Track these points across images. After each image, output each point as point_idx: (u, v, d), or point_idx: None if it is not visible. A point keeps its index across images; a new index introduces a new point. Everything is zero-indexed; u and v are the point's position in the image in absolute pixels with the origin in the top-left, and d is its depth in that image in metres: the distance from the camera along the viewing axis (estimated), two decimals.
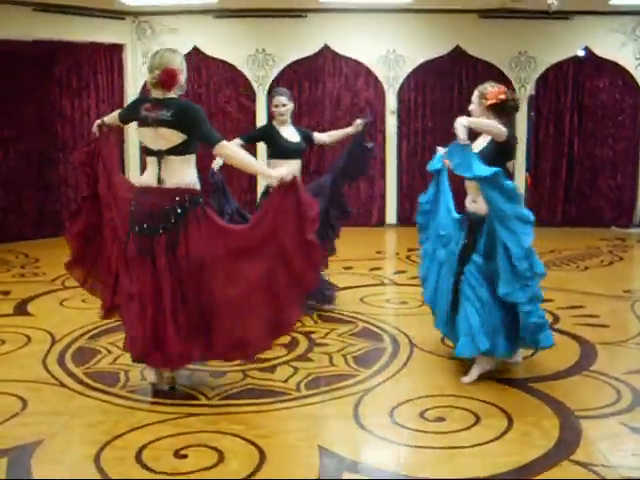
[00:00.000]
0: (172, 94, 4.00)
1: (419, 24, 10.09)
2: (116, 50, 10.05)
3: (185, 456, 3.43)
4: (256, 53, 10.13)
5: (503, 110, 4.40)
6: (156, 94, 4.00)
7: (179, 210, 3.90)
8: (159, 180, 3.94)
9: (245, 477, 3.23)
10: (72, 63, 9.69)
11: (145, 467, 3.32)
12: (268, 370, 4.55)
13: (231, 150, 4.04)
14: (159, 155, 3.94)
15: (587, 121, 10.32)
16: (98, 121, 4.44)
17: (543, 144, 10.40)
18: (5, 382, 4.36)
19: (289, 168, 4.47)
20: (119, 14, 9.85)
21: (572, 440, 3.56)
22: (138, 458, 3.39)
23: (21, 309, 6.06)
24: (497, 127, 4.26)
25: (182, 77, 4.04)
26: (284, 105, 5.60)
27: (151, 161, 4.01)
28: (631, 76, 10.12)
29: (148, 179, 4.00)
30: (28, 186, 9.45)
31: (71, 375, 4.50)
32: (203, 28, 10.06)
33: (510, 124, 4.49)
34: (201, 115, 3.93)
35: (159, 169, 3.94)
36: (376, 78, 10.19)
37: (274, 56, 10.12)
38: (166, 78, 3.94)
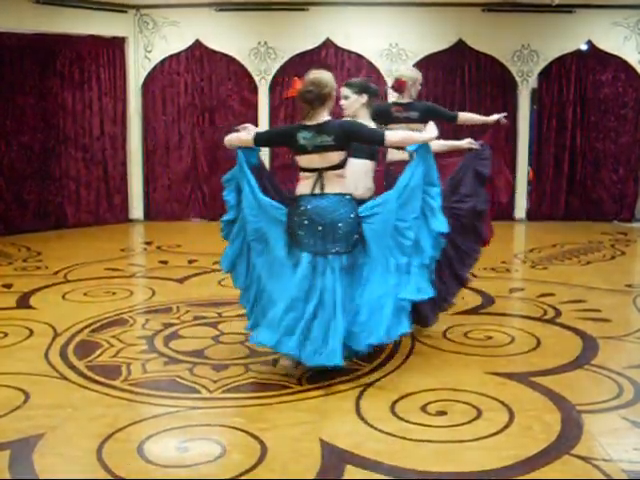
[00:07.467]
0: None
1: (421, 18, 10.07)
2: (118, 43, 10.05)
3: (187, 449, 3.44)
4: (258, 46, 10.11)
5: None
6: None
7: None
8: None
9: (247, 470, 3.23)
10: (74, 56, 9.70)
11: (147, 460, 3.32)
12: (270, 364, 4.55)
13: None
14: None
15: (590, 115, 10.31)
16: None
17: (545, 138, 10.39)
18: (7, 375, 4.36)
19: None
20: (121, 7, 9.84)
21: (573, 434, 3.56)
22: (140, 451, 3.40)
23: (23, 302, 6.07)
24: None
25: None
26: (346, 98, 4.81)
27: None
28: (634, 70, 10.11)
29: None
30: (30, 179, 9.47)
31: (73, 368, 4.50)
32: (205, 21, 10.04)
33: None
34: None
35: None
36: (378, 72, 10.17)
37: (276, 49, 10.10)
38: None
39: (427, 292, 4.38)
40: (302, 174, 4.34)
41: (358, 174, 4.62)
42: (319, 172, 4.25)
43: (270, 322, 4.26)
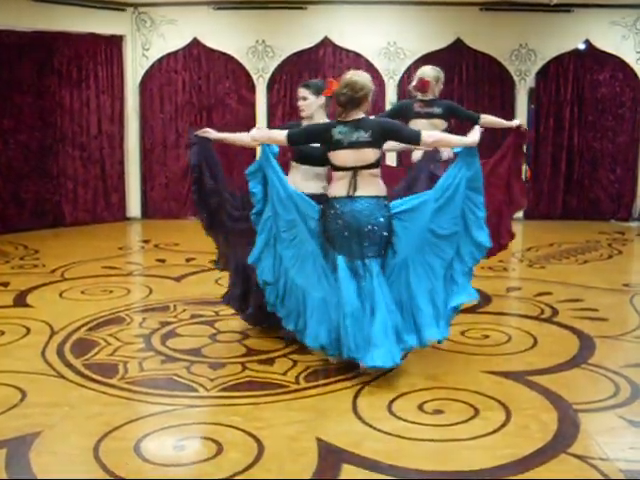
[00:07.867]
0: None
1: (420, 16, 10.07)
2: (115, 41, 10.03)
3: (184, 447, 3.44)
4: (256, 45, 10.10)
5: None
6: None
7: None
8: None
9: (243, 469, 3.23)
10: (71, 54, 9.68)
11: (143, 459, 3.32)
12: (267, 362, 4.55)
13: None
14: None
15: (587, 114, 10.32)
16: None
17: (543, 137, 10.39)
18: (4, 373, 4.36)
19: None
20: (119, 5, 9.83)
21: (570, 433, 3.56)
22: (137, 449, 3.40)
23: (20, 300, 6.06)
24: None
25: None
26: (304, 99, 4.72)
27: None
28: (631, 69, 10.12)
29: None
30: (27, 177, 9.45)
31: (70, 366, 4.50)
32: (203, 19, 10.03)
33: None
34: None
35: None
36: (376, 70, 10.15)
37: (274, 48, 10.09)
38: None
39: (474, 295, 4.44)
40: (336, 174, 4.28)
41: (310, 175, 4.64)
42: (354, 171, 4.19)
43: (321, 323, 4.29)
